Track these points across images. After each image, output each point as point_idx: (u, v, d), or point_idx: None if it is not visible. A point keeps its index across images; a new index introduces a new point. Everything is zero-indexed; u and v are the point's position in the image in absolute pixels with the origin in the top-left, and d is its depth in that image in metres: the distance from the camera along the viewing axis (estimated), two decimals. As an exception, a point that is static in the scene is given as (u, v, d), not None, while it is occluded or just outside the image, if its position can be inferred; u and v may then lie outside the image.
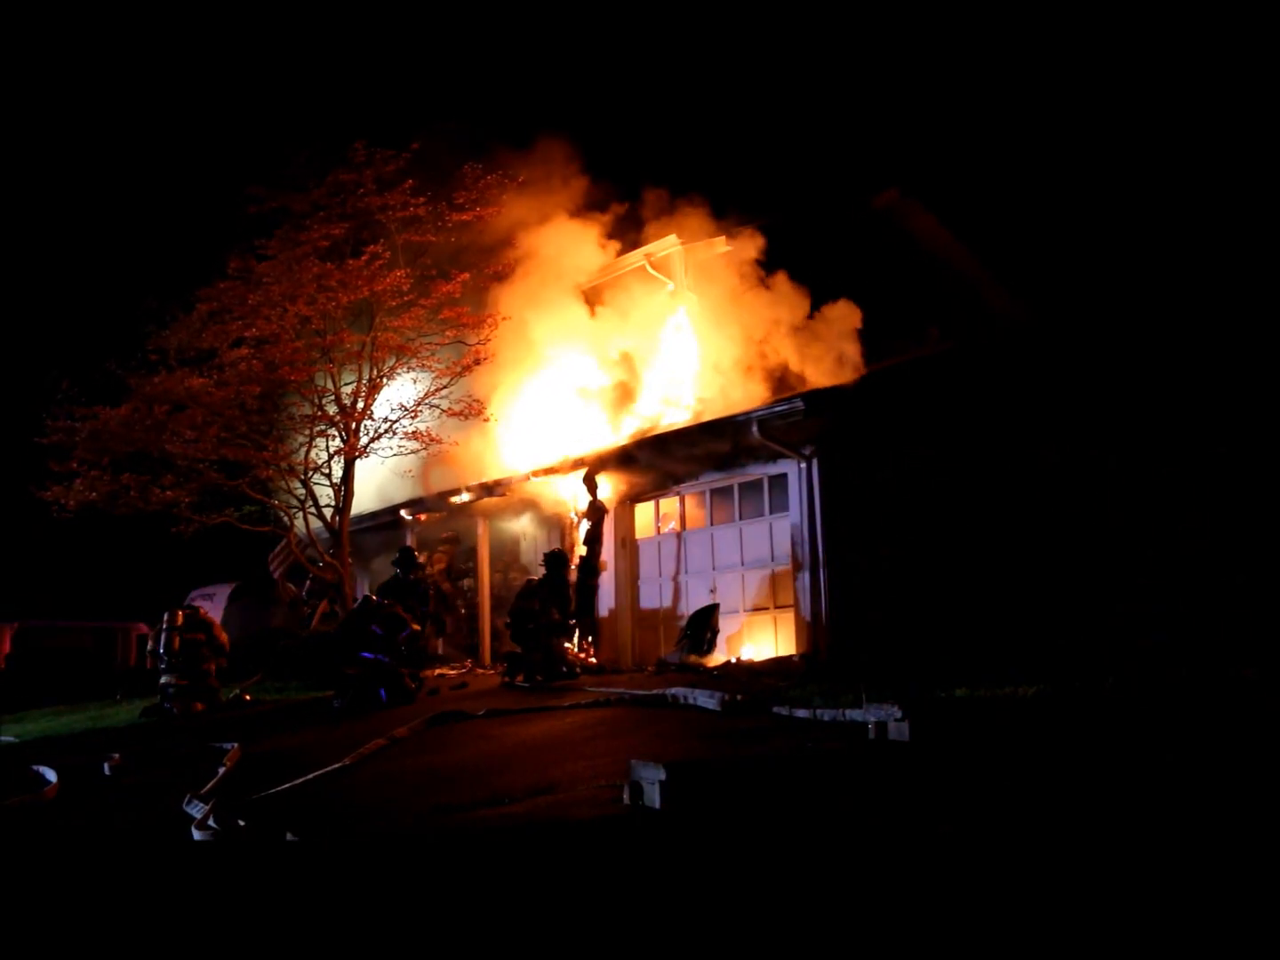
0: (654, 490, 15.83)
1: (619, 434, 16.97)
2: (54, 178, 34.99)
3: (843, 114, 25.07)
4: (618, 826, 5.89)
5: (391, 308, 17.30)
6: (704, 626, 13.66)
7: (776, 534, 13.94)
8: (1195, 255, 19.08)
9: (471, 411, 17.42)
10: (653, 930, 4.23)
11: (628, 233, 17.92)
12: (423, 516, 18.79)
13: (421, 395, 17.49)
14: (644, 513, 16.20)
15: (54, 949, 4.41)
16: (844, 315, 15.18)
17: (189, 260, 18.61)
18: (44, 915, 4.90)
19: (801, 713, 9.01)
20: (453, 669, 16.07)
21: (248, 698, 15.32)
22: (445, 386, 17.48)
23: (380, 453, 17.83)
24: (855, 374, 14.42)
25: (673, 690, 10.70)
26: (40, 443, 16.71)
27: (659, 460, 15.03)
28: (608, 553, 15.69)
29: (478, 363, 17.34)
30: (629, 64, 30.98)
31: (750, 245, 16.40)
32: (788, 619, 13.66)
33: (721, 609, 13.98)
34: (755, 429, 13.19)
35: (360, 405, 17.52)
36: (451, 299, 17.27)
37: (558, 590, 14.33)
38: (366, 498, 19.18)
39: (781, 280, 15.75)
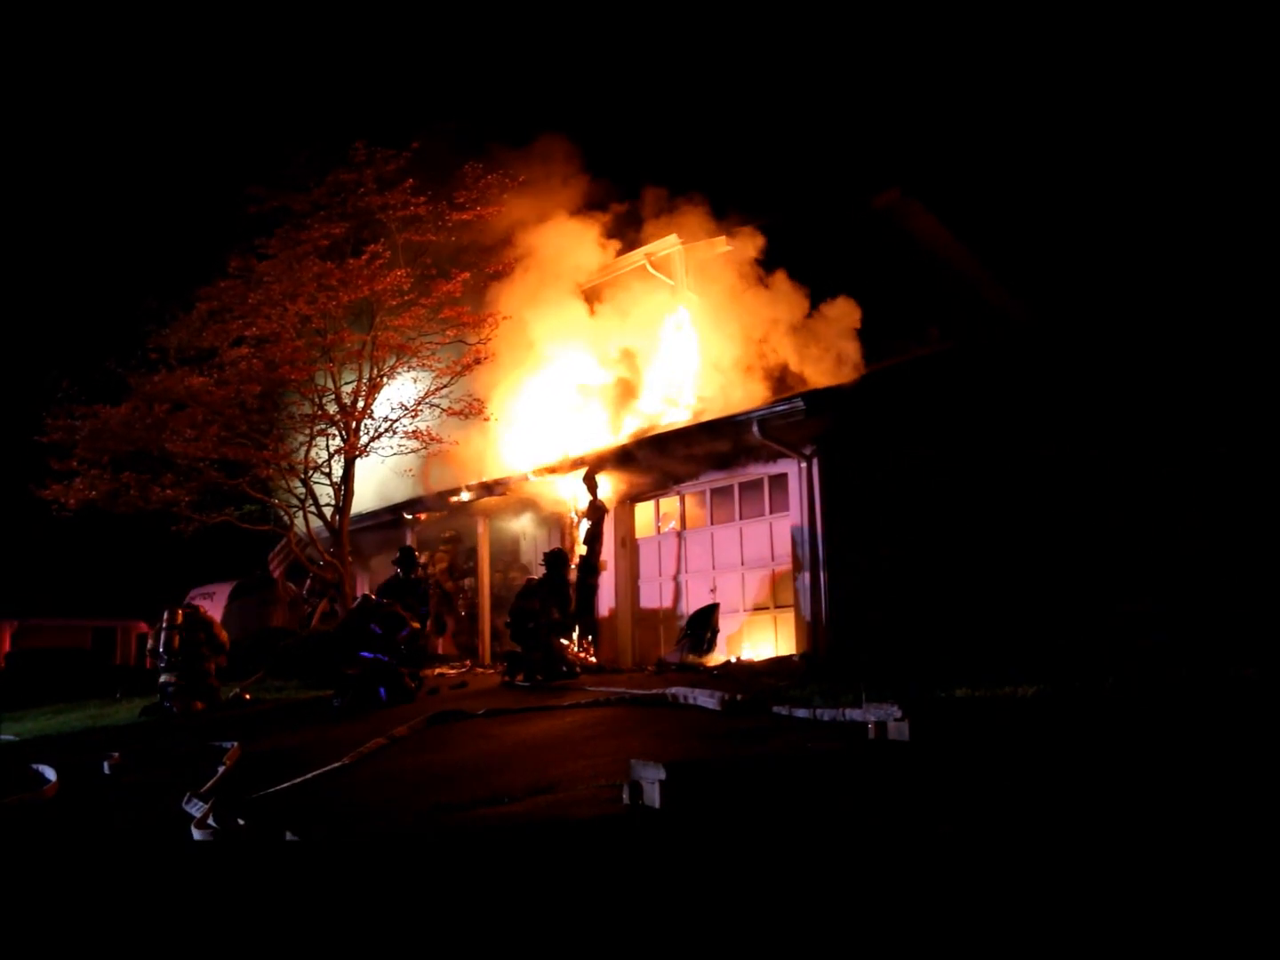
0: (654, 490, 15.83)
1: (619, 433, 16.97)
2: (54, 178, 35.08)
3: (843, 114, 25.14)
4: (617, 826, 5.89)
5: (392, 307, 17.32)
6: (704, 626, 13.66)
7: (776, 534, 13.95)
8: (1195, 255, 19.11)
9: (472, 411, 17.44)
10: (652, 929, 4.23)
11: (628, 232, 17.92)
12: (423, 516, 18.80)
13: (422, 394, 17.53)
14: (644, 512, 16.21)
15: (54, 948, 4.41)
16: (844, 315, 15.19)
17: (189, 259, 18.67)
18: (44, 914, 4.90)
19: (801, 712, 9.00)
20: (452, 668, 16.05)
21: (247, 697, 15.30)
22: (445, 386, 17.51)
23: (380, 452, 17.86)
24: (855, 373, 14.44)
25: (673, 690, 10.69)
26: (40, 441, 16.74)
27: (659, 460, 15.04)
28: (608, 552, 15.69)
29: (478, 362, 17.36)
30: (629, 63, 31.04)
31: (750, 245, 16.39)
32: (788, 619, 13.67)
33: (721, 609, 13.99)
34: (755, 429, 13.20)
35: (360, 404, 17.54)
36: (452, 298, 17.30)
37: (558, 590, 14.32)
38: (367, 497, 19.19)
39: (781, 280, 15.76)
